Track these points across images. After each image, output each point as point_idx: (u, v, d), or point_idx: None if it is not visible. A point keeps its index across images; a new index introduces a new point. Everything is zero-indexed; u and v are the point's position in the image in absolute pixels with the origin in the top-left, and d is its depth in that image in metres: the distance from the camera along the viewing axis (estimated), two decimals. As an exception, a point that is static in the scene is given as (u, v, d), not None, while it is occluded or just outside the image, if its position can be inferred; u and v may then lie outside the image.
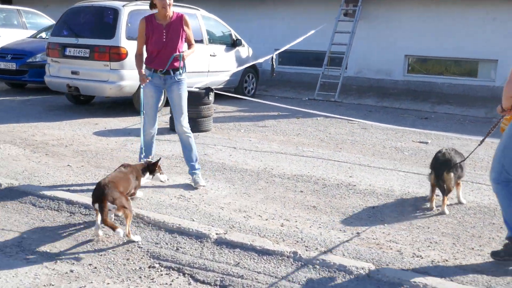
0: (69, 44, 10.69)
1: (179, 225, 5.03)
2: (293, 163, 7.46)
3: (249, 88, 13.89)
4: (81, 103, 11.87)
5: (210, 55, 12.26)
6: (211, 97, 9.48)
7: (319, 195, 6.10)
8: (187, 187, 6.24)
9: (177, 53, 5.96)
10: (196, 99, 9.33)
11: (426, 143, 9.21)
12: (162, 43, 5.95)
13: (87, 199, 5.41)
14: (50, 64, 11.05)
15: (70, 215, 5.35)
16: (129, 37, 10.14)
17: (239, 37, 13.26)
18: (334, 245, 4.73)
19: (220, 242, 4.73)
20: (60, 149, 7.82)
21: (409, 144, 9.07)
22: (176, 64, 5.98)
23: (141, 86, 6.12)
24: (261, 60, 12.40)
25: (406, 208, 5.76)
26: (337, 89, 14.23)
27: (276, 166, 7.24)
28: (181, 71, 6.06)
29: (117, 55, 10.31)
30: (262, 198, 5.93)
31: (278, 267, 4.34)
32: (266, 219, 5.32)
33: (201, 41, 12.06)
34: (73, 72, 10.65)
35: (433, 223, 5.38)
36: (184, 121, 6.12)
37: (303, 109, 10.61)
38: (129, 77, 10.09)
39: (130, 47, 9.96)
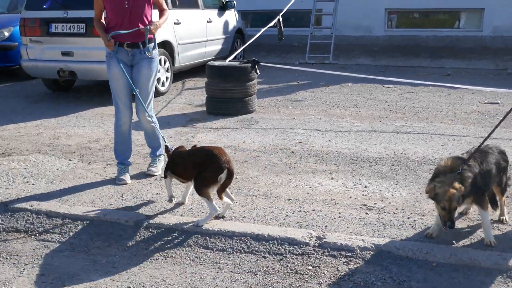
0: (55, 19, 8.56)
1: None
2: (411, 143, 6.27)
3: (239, 55, 12.30)
4: (63, 90, 9.76)
5: (207, 22, 10.57)
6: (258, 71, 7.93)
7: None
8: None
9: (146, 24, 4.93)
10: (243, 74, 7.79)
11: (497, 103, 8.34)
12: (124, 9, 4.89)
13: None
14: (28, 46, 8.86)
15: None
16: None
17: (226, -2, 11.61)
18: None
19: None
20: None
21: (481, 106, 8.19)
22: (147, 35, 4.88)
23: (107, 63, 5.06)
24: (271, 24, 10.81)
25: None
26: (330, 50, 13.02)
27: (401, 149, 6.03)
28: (151, 45, 4.98)
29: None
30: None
31: None
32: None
33: (196, 6, 10.32)
34: (64, 53, 8.63)
35: None
36: (149, 105, 5.09)
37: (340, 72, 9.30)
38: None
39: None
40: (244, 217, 4.27)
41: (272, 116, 7.72)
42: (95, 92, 9.65)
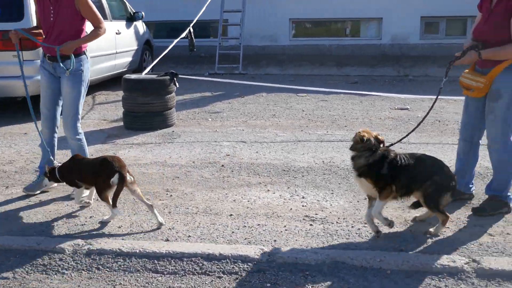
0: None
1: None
2: (337, 151, 6.43)
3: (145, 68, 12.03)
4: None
5: (116, 33, 10.27)
6: (177, 83, 7.80)
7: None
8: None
9: (72, 38, 4.82)
10: (162, 87, 7.64)
11: (407, 109, 8.76)
12: (50, 22, 4.83)
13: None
14: None
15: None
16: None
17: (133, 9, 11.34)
18: None
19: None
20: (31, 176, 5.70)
21: (392, 112, 8.59)
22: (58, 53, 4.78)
23: None
24: (183, 35, 10.65)
25: None
26: (238, 60, 13.09)
27: (329, 158, 6.17)
28: (71, 61, 4.83)
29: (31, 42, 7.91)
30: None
31: None
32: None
33: (104, 17, 9.97)
34: (-34, 69, 7.99)
35: None
36: (71, 124, 4.97)
37: (287, 85, 9.36)
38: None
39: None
40: (189, 236, 4.14)
41: (193, 129, 7.60)
42: (-1, 110, 9.05)
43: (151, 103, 7.54)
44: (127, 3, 11.20)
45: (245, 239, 4.08)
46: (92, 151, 6.46)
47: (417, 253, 3.75)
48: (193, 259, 3.76)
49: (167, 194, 5.09)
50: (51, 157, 5.00)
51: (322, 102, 9.37)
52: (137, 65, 11.27)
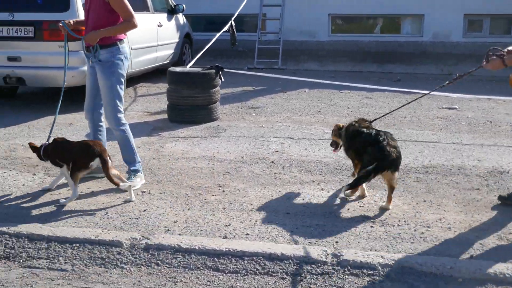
0: (-1, 22, 7.97)
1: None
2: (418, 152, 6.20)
3: (187, 60, 11.98)
4: (6, 97, 9.13)
5: (158, 26, 10.21)
6: (222, 77, 7.69)
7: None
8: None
9: (95, 30, 4.81)
10: (207, 81, 7.53)
11: (455, 108, 8.51)
12: (86, 14, 4.94)
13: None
14: (-35, 50, 8.19)
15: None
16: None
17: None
18: None
19: None
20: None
21: (441, 112, 8.39)
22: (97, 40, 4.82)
23: None
24: (225, 28, 10.52)
25: None
26: (276, 55, 12.93)
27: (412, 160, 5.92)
28: (97, 51, 4.85)
29: (77, 31, 7.86)
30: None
31: None
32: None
33: (146, 9, 9.95)
34: (10, 59, 8.03)
35: None
36: (110, 115, 4.96)
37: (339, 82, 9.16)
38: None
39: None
40: (247, 234, 4.04)
41: (238, 124, 7.49)
42: (43, 99, 9.09)
43: (196, 96, 7.45)
44: (168, -5, 11.12)
45: (305, 239, 3.95)
46: (139, 143, 6.41)
47: (490, 261, 3.57)
48: (254, 258, 3.65)
49: (219, 189, 4.99)
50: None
51: (367, 99, 9.19)
52: (177, 58, 11.21)
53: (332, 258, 3.63)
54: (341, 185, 5.09)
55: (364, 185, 4.61)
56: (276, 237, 3.99)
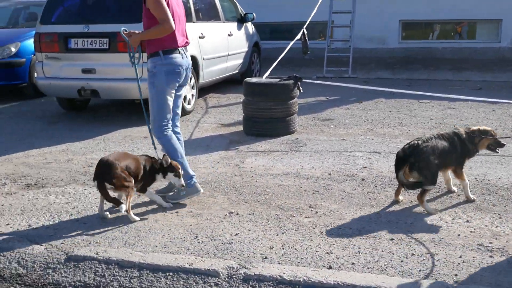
0: (74, 34, 7.88)
1: None
2: (487, 167, 5.83)
3: (255, 70, 11.71)
4: (79, 109, 9.07)
5: (228, 35, 9.97)
6: (301, 88, 7.35)
7: None
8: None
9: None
10: (285, 92, 7.19)
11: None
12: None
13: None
14: (44, 62, 8.14)
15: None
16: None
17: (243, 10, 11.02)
18: None
19: None
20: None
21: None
22: (146, 47, 4.74)
23: None
24: (298, 37, 10.18)
25: None
26: (345, 63, 12.49)
27: (482, 174, 5.59)
28: (134, 57, 4.79)
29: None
30: None
31: None
32: None
33: (218, 19, 9.72)
34: (85, 71, 7.93)
35: None
36: (154, 125, 4.75)
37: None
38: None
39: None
40: (353, 263, 3.67)
41: (317, 137, 7.13)
42: (115, 112, 8.98)
43: (274, 108, 7.15)
44: (237, 4, 10.90)
45: (419, 271, 3.54)
46: (217, 158, 6.18)
47: None
48: (367, 293, 3.26)
49: (311, 210, 4.64)
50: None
51: (450, 109, 8.66)
52: (245, 68, 10.95)
53: (456, 295, 3.20)
54: (443, 206, 4.66)
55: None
56: (386, 267, 3.60)
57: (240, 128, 7.60)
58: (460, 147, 4.68)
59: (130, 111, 8.73)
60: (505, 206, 4.68)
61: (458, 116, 8.27)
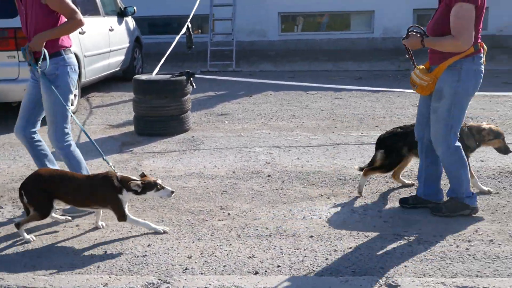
0: None
1: None
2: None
3: (138, 66, 11.29)
4: None
5: (109, 30, 9.49)
6: (194, 83, 7.14)
7: None
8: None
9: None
10: (178, 89, 6.95)
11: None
12: (23, 18, 4.31)
13: None
14: None
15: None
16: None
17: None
18: None
19: None
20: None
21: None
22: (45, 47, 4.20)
23: None
24: (183, 31, 9.88)
25: None
26: (230, 57, 12.44)
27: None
28: (40, 62, 4.18)
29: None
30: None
31: None
32: None
33: (97, 13, 9.22)
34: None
35: None
36: (53, 135, 4.35)
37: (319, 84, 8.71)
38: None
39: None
40: (279, 266, 3.54)
41: (214, 134, 6.95)
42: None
43: (167, 106, 6.87)
44: (116, -4, 10.38)
45: (347, 267, 3.48)
46: (112, 163, 5.74)
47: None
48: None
49: (223, 212, 4.46)
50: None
51: (337, 100, 8.86)
52: (127, 64, 10.48)
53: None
54: (351, 198, 4.67)
55: None
56: (313, 267, 3.50)
57: (131, 128, 7.22)
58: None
59: (3, 115, 7.98)
60: (410, 193, 4.76)
61: (346, 106, 8.45)
